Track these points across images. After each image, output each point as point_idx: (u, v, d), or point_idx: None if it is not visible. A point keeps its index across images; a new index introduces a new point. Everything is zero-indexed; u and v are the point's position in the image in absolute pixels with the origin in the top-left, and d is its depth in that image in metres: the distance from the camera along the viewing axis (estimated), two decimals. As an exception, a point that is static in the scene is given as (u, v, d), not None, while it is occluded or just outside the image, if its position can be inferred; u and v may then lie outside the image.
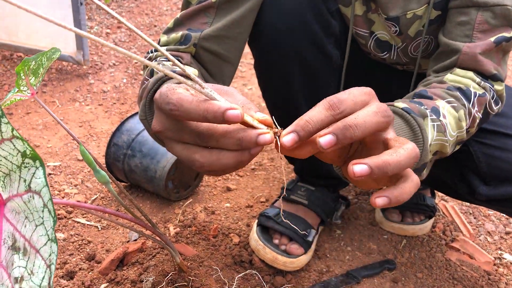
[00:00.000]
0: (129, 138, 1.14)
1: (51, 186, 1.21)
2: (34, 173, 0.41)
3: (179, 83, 0.54)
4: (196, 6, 0.72)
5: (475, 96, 0.68)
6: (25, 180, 0.42)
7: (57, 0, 1.76)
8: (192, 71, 0.69)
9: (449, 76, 0.70)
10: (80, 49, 1.80)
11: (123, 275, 0.90)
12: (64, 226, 1.07)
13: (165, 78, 0.59)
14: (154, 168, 1.09)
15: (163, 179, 1.08)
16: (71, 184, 1.22)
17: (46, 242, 0.40)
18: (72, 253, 0.99)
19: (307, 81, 0.82)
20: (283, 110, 0.88)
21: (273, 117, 0.44)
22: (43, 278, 0.41)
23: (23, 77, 0.64)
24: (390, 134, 0.44)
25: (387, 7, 0.77)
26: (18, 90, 0.66)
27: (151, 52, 0.71)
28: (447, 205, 1.22)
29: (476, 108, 0.69)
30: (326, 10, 0.79)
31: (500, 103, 0.74)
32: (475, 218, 1.20)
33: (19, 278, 0.41)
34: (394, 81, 0.95)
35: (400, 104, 0.60)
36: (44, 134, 1.47)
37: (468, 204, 1.25)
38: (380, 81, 0.96)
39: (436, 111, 0.62)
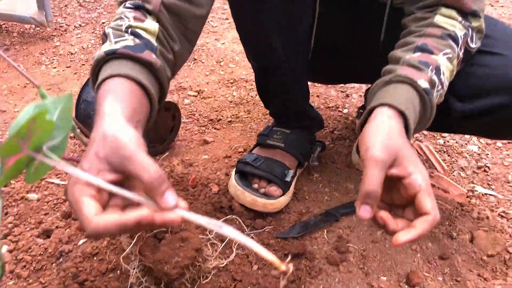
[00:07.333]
0: (98, 94, 1.10)
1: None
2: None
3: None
4: None
5: (461, 39, 0.72)
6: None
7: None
8: (153, 28, 0.66)
9: (438, 18, 0.73)
10: (42, 9, 1.72)
11: (102, 228, 0.89)
12: (37, 187, 1.04)
13: (103, 63, 0.62)
14: (127, 123, 1.06)
15: (137, 133, 1.06)
16: (43, 146, 1.19)
17: None
18: (47, 212, 0.97)
19: (279, 8, 0.79)
20: (256, 40, 0.86)
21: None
22: None
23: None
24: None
25: None
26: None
27: None
28: (422, 145, 1.23)
29: (462, 51, 0.73)
30: None
31: (478, 40, 0.76)
32: (448, 155, 1.22)
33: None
34: (364, 12, 0.93)
35: (422, 83, 0.65)
36: (10, 99, 1.42)
37: (442, 143, 1.27)
38: (354, 11, 0.94)
39: (438, 70, 0.68)
